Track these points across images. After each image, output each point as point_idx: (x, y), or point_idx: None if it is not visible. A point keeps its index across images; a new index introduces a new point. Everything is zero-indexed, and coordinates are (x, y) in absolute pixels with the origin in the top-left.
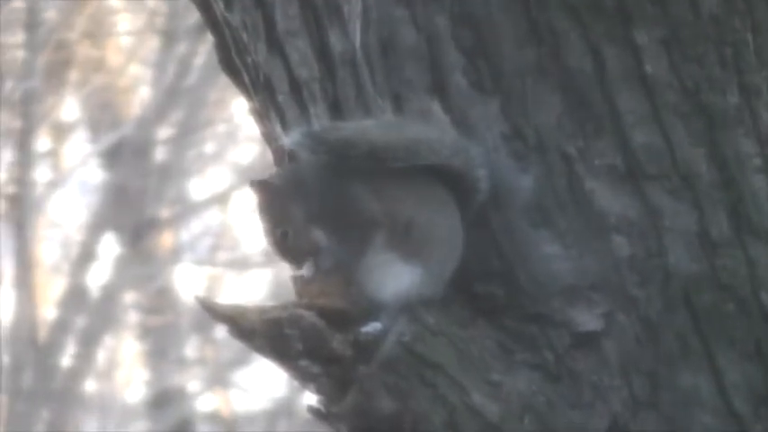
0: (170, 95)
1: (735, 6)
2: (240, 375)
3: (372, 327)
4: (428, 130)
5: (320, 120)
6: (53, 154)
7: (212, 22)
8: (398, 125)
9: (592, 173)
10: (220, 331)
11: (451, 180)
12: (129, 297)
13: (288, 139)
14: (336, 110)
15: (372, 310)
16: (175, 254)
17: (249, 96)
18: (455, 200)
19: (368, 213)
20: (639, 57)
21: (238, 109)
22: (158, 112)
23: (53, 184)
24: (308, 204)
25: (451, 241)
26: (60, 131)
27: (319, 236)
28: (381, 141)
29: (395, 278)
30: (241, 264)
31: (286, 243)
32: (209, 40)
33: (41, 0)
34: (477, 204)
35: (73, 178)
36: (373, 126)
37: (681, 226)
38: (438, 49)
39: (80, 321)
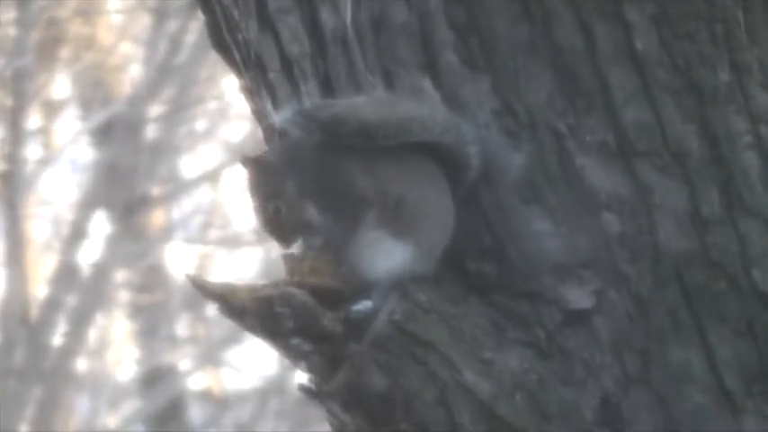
0: (161, 73)
1: None
2: (231, 354)
3: (363, 305)
4: (419, 107)
5: (311, 97)
6: (44, 132)
7: None
8: (390, 102)
9: (583, 150)
10: (211, 310)
11: (443, 157)
12: (121, 275)
13: (279, 117)
14: (327, 87)
15: (363, 288)
16: (166, 232)
17: (240, 74)
18: (446, 177)
19: (359, 191)
20: (630, 34)
21: (229, 86)
22: (149, 89)
23: (44, 162)
24: (301, 180)
25: (443, 218)
26: (51, 109)
27: (312, 212)
28: (373, 119)
29: (386, 255)
30: (232, 242)
31: (278, 219)
32: (199, 17)
33: None
34: (468, 181)
35: (64, 156)
36: (364, 103)
37: (671, 203)
38: (429, 26)
39: (71, 300)
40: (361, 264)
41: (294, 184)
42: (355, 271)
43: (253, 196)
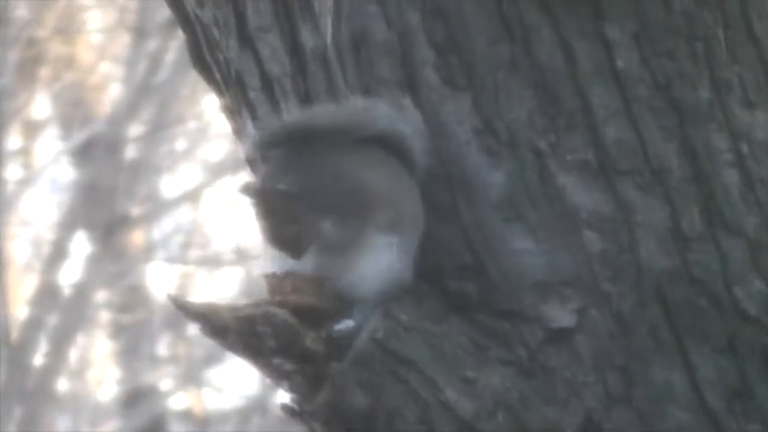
0: (141, 92)
1: (706, 1)
2: (213, 373)
3: (345, 324)
4: (360, 106)
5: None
6: (24, 152)
7: (183, 18)
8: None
9: (563, 168)
10: (193, 329)
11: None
12: (101, 295)
13: (249, 148)
14: (308, 105)
15: (345, 306)
16: (147, 252)
17: (220, 93)
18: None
19: (365, 192)
20: (611, 51)
21: (209, 106)
22: (129, 109)
23: (24, 182)
24: (309, 197)
25: (417, 216)
26: (31, 129)
27: (327, 226)
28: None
29: (382, 255)
30: (213, 261)
31: (296, 240)
32: (179, 36)
33: None
34: (419, 177)
35: (44, 176)
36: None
37: (653, 221)
38: (409, 44)
39: (52, 320)
40: (360, 268)
41: (308, 207)
42: (343, 281)
43: (265, 221)
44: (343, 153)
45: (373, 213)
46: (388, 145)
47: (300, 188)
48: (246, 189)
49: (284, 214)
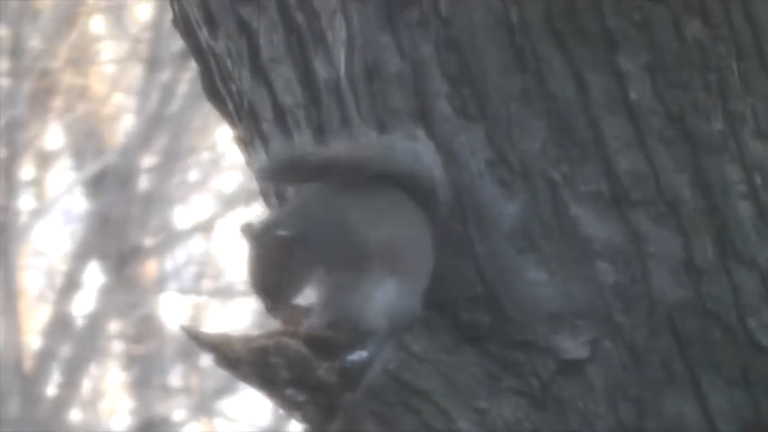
0: (153, 123)
1: (719, 32)
2: (226, 404)
3: (358, 355)
4: (377, 141)
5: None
6: (37, 182)
7: (196, 49)
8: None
9: (577, 199)
10: (205, 360)
11: (412, 188)
12: (114, 326)
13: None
14: (321, 137)
15: (358, 337)
16: (160, 282)
17: (233, 124)
18: (421, 208)
19: (365, 246)
20: (623, 83)
21: (222, 137)
22: (142, 139)
23: (37, 213)
24: (309, 250)
25: (422, 252)
26: (44, 160)
27: (320, 275)
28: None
29: (380, 296)
30: (225, 292)
31: (278, 289)
32: (192, 67)
33: (25, 28)
34: (440, 208)
35: (57, 207)
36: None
37: (665, 252)
38: (423, 76)
39: (65, 350)
40: (361, 310)
41: (301, 255)
42: (350, 319)
43: (255, 265)
44: (349, 197)
45: (369, 266)
46: (407, 183)
47: (300, 235)
48: (246, 231)
49: (276, 261)
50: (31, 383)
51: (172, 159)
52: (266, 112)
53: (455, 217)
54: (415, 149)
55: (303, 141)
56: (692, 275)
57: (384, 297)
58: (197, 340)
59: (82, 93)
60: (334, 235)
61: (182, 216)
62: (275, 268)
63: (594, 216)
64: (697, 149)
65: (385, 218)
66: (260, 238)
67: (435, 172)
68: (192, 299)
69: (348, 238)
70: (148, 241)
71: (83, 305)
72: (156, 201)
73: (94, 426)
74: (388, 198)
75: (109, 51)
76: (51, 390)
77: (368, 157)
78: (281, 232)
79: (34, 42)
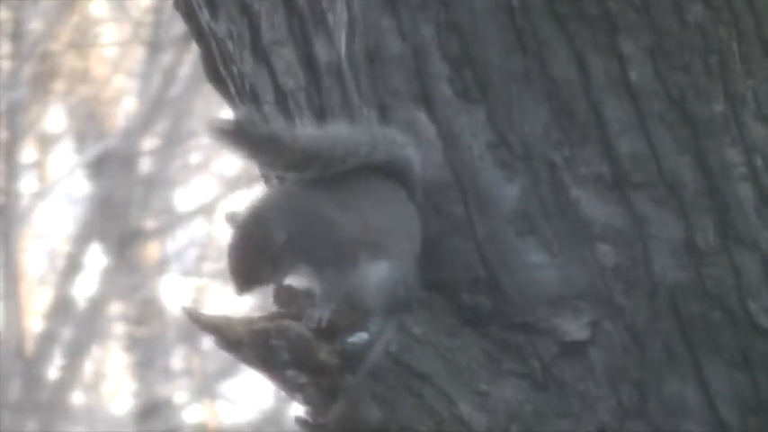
0: (155, 106)
1: (720, 15)
2: (227, 386)
3: (359, 337)
4: (343, 133)
5: (337, 120)
6: (38, 165)
7: (198, 31)
8: (319, 133)
9: (578, 181)
10: (207, 342)
11: (390, 172)
12: (116, 308)
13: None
14: (322, 119)
15: (359, 319)
16: (162, 265)
17: (235, 106)
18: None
19: (348, 236)
20: (625, 65)
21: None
22: (144, 122)
23: (39, 196)
24: (292, 241)
25: (409, 229)
26: (46, 142)
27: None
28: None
29: (374, 279)
30: (227, 275)
31: (257, 265)
32: (194, 50)
33: (26, 11)
34: (417, 182)
35: (58, 189)
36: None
37: (667, 234)
38: (424, 58)
39: (66, 333)
40: (357, 294)
41: (285, 243)
42: (351, 302)
43: (237, 241)
44: (319, 191)
45: (352, 254)
46: (384, 167)
47: (283, 228)
48: (230, 218)
49: (259, 247)
50: (32, 366)
51: (173, 142)
52: (267, 95)
53: (455, 199)
54: (383, 134)
55: (303, 122)
56: (693, 257)
57: (375, 278)
58: (199, 322)
59: (83, 75)
60: (312, 231)
61: (183, 198)
62: (257, 255)
63: (595, 198)
64: (698, 132)
65: (358, 204)
66: (245, 224)
67: (409, 152)
68: (194, 281)
69: (325, 232)
70: (150, 224)
71: (84, 288)
72: (158, 183)
73: (96, 408)
74: (361, 184)
75: (110, 34)
76: (53, 372)
77: (337, 151)
78: (266, 214)
79: (35, 25)
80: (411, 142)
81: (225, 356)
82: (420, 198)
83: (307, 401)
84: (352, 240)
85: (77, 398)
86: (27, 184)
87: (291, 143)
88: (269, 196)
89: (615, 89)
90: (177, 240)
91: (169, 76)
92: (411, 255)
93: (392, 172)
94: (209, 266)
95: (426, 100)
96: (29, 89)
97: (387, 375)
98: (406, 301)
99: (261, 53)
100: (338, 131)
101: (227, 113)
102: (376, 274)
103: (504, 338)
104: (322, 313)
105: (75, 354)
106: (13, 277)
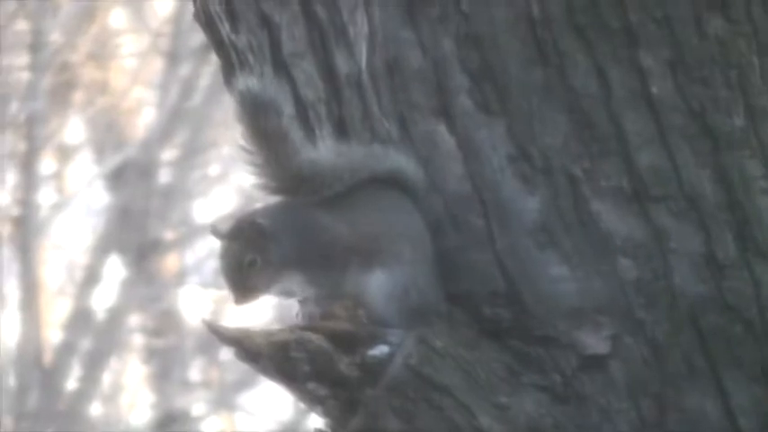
0: (174, 117)
1: (740, 28)
2: (246, 398)
3: (379, 349)
4: (326, 160)
5: (326, 141)
6: (57, 176)
7: (218, 43)
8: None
9: (598, 194)
10: (225, 354)
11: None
12: (134, 319)
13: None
14: (342, 131)
15: (379, 331)
16: (180, 276)
17: None
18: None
19: (342, 242)
20: (645, 78)
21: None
22: (163, 133)
23: (57, 207)
24: (284, 247)
25: (415, 236)
26: (65, 153)
27: (283, 281)
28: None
29: (379, 288)
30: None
31: (249, 273)
32: (213, 61)
33: (45, 22)
34: (417, 191)
35: (77, 200)
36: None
37: (687, 248)
38: (444, 71)
39: (85, 344)
40: (366, 304)
41: (277, 248)
42: (371, 314)
43: (228, 249)
44: (317, 204)
45: (346, 261)
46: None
47: (272, 229)
48: (215, 231)
49: (251, 250)
50: (51, 377)
51: (192, 153)
52: (288, 107)
53: (476, 211)
54: (367, 153)
55: (323, 135)
56: (713, 271)
57: (377, 286)
58: (218, 334)
59: (102, 86)
60: (303, 236)
61: (202, 210)
62: (249, 249)
63: (615, 212)
64: (718, 145)
65: (353, 212)
66: (233, 232)
67: (410, 170)
68: (213, 293)
69: (316, 237)
70: (169, 235)
71: (103, 299)
72: (177, 194)
73: (114, 419)
74: (357, 194)
75: (129, 45)
76: (71, 383)
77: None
78: (259, 220)
79: (55, 36)
80: (394, 153)
81: (243, 368)
82: (425, 204)
83: (326, 414)
84: (345, 246)
85: (95, 409)
86: (46, 196)
87: (289, 166)
88: (254, 208)
89: (635, 102)
90: (196, 252)
91: (188, 87)
92: (419, 259)
93: (396, 183)
94: None
95: (446, 112)
96: (48, 100)
97: (407, 388)
98: (424, 305)
99: (281, 65)
100: (323, 159)
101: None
102: (376, 282)
103: (525, 351)
104: (313, 310)
105: (94, 365)
106: (31, 288)
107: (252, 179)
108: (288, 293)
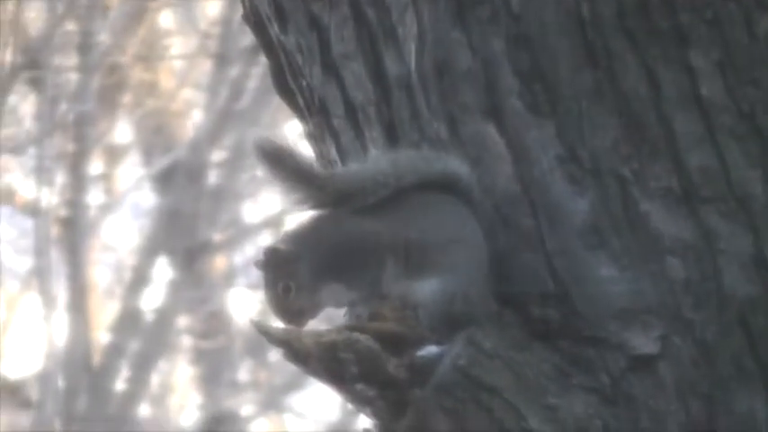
0: (223, 118)
1: None
2: (294, 399)
3: (428, 350)
4: (370, 165)
5: (375, 143)
6: (106, 177)
7: (267, 44)
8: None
9: (647, 195)
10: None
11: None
12: (183, 321)
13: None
14: (391, 133)
15: (427, 333)
16: (229, 277)
17: (304, 119)
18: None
19: (375, 244)
20: (695, 79)
21: (291, 132)
22: (211, 135)
23: (106, 208)
24: (313, 262)
25: (467, 242)
26: (113, 155)
27: (323, 295)
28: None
29: (421, 295)
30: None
31: (287, 299)
32: (261, 62)
33: (95, 23)
34: (470, 195)
35: (126, 202)
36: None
37: (736, 248)
38: (493, 72)
39: (134, 345)
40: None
41: (305, 267)
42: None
43: (264, 281)
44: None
45: (383, 263)
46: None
47: (295, 249)
48: (256, 263)
49: (283, 276)
50: (99, 379)
51: (241, 155)
52: (337, 108)
53: (525, 212)
54: (413, 157)
55: (373, 137)
56: (763, 271)
57: (423, 294)
58: (266, 335)
59: (151, 88)
60: (338, 239)
61: (251, 211)
62: (281, 277)
63: (665, 212)
64: (767, 146)
65: (398, 220)
66: (261, 263)
67: (463, 173)
68: (261, 294)
69: (347, 244)
70: (217, 236)
71: (151, 300)
72: (226, 196)
73: (163, 421)
74: (405, 201)
75: (178, 47)
76: (120, 385)
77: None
78: (279, 246)
79: (103, 38)
80: (445, 156)
81: (292, 369)
82: (481, 208)
83: (375, 415)
84: (377, 244)
85: (144, 410)
86: (94, 197)
87: (325, 182)
88: (291, 228)
89: (685, 103)
90: (245, 253)
91: (237, 89)
92: (470, 267)
93: (444, 187)
94: None
95: (496, 114)
96: (96, 102)
97: (456, 389)
98: (467, 315)
99: (330, 67)
100: (365, 168)
101: (294, 126)
102: (420, 288)
103: (574, 352)
104: (361, 311)
105: (142, 366)
106: (80, 290)
107: (295, 200)
108: (337, 303)
